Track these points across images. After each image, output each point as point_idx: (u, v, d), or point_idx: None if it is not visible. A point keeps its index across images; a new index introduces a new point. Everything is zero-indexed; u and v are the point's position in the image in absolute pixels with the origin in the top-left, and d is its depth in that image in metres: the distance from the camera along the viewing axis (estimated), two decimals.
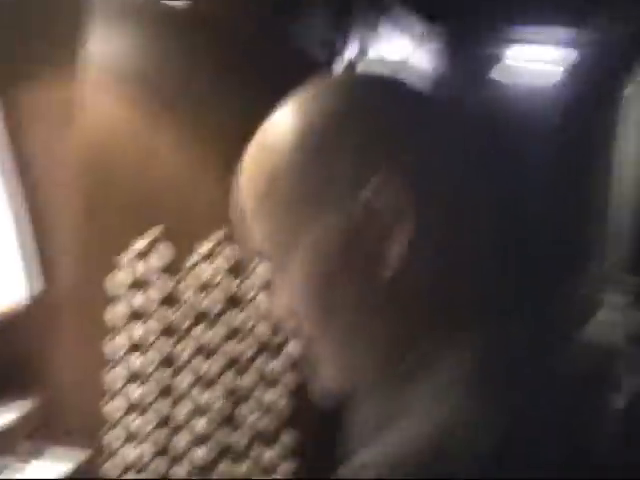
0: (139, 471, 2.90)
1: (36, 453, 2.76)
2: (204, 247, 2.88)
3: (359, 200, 1.33)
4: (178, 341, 2.89)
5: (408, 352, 1.36)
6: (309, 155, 1.37)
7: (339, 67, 3.12)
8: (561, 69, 6.15)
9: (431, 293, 1.36)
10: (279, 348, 2.97)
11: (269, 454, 2.98)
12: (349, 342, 1.39)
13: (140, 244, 2.83)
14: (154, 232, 2.84)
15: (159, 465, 2.91)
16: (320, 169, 1.36)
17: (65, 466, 2.75)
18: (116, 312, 2.82)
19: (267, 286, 2.91)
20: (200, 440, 2.93)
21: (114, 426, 2.86)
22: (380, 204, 1.32)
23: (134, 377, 2.87)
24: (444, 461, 1.19)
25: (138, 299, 2.83)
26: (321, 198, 1.36)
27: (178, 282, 2.87)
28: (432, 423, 1.24)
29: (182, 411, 2.91)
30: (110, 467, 2.88)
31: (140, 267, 2.83)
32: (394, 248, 1.32)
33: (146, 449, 2.88)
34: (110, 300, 2.82)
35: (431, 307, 1.36)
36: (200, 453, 2.93)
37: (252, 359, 2.95)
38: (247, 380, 2.96)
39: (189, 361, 2.90)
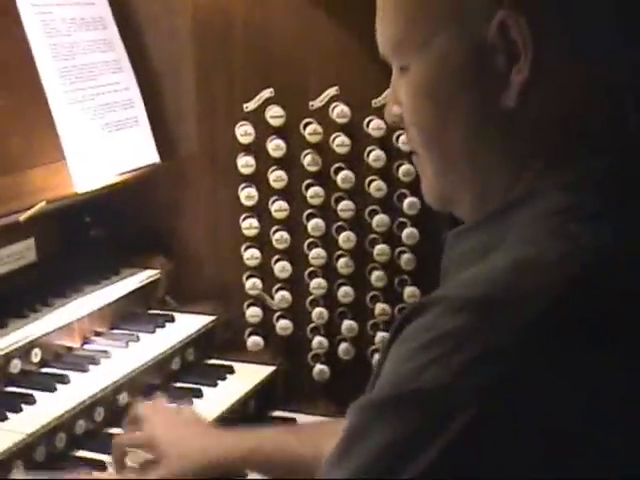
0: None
1: (169, 315, 2.90)
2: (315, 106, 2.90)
3: (485, 30, 1.32)
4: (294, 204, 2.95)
5: (512, 186, 1.38)
6: None
7: None
8: None
9: (548, 129, 1.36)
10: (395, 204, 2.93)
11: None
12: (454, 165, 1.42)
13: (253, 105, 2.89)
14: (265, 94, 2.89)
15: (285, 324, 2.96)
16: None
17: (195, 327, 2.87)
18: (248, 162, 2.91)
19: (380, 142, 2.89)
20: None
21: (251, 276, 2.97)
22: (502, 40, 1.32)
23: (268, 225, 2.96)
24: (514, 295, 1.22)
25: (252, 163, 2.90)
26: (452, 15, 1.36)
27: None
28: (516, 258, 1.27)
29: (306, 271, 2.95)
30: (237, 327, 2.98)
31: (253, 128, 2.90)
32: (520, 76, 1.32)
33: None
34: (240, 150, 2.93)
35: (546, 142, 1.36)
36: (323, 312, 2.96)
37: (370, 216, 2.93)
38: (367, 237, 2.95)
39: (307, 220, 2.93)
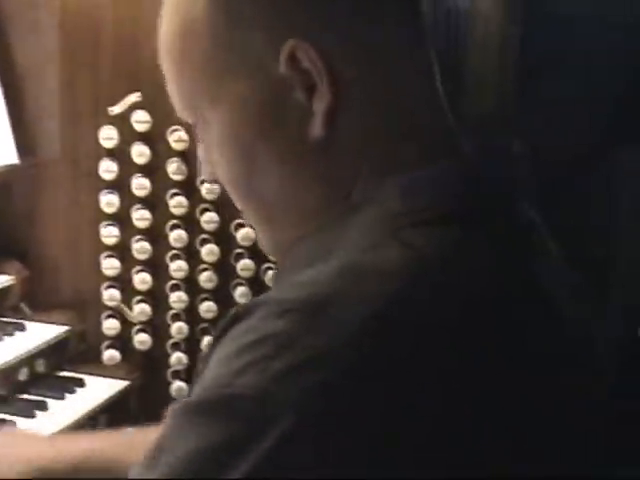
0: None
1: (19, 324, 2.77)
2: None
3: (275, 68, 1.25)
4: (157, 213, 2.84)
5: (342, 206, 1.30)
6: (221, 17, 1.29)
7: None
8: None
9: (360, 152, 1.29)
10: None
11: None
12: (276, 212, 1.33)
13: (118, 108, 2.79)
14: (132, 98, 2.80)
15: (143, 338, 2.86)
16: (233, 34, 1.28)
17: (47, 337, 2.75)
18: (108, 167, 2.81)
19: None
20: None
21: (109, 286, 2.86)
22: (295, 72, 1.24)
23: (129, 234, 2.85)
24: (338, 299, 1.14)
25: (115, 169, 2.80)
26: (234, 65, 1.28)
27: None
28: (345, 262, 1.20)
29: (167, 284, 2.85)
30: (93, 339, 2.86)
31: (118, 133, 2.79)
32: (322, 104, 1.24)
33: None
34: (103, 155, 2.82)
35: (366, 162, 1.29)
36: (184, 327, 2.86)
37: (236, 229, 2.85)
38: (233, 251, 2.87)
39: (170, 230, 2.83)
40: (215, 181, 1.41)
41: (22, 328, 2.75)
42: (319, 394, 1.10)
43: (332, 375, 1.10)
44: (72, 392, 2.64)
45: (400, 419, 1.12)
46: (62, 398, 2.60)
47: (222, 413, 1.12)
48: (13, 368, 2.60)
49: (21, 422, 2.43)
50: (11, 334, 2.69)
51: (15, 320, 2.79)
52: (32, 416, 2.46)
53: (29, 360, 2.67)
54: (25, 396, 2.61)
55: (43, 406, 2.52)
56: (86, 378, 2.73)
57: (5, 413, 2.47)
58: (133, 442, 2.03)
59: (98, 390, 2.70)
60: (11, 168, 2.81)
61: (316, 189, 1.31)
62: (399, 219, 1.23)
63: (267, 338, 1.13)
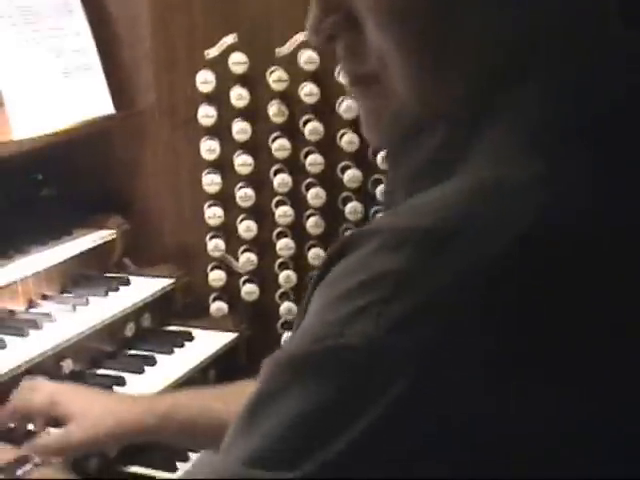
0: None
1: (124, 279, 2.70)
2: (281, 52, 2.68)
3: None
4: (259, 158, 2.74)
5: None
6: None
7: None
8: None
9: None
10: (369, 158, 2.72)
11: None
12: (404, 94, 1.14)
13: (215, 51, 2.68)
14: (228, 40, 2.68)
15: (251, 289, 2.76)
16: None
17: (152, 291, 2.67)
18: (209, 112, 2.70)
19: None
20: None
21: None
22: None
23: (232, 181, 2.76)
24: (469, 227, 0.97)
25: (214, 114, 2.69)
26: None
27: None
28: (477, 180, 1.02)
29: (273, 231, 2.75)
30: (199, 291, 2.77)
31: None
32: None
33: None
34: (200, 100, 2.71)
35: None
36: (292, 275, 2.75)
37: (342, 171, 2.72)
38: (339, 194, 2.74)
39: (274, 175, 2.71)
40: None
41: (126, 283, 2.67)
42: (444, 344, 0.94)
43: (458, 322, 0.94)
44: (180, 346, 2.56)
45: (543, 372, 0.94)
46: (170, 352, 2.52)
47: (329, 368, 0.96)
48: (119, 324, 2.53)
49: (130, 378, 2.35)
50: (116, 289, 2.62)
51: (120, 275, 2.72)
52: (141, 372, 2.39)
53: (135, 315, 2.59)
54: (133, 352, 2.53)
55: (152, 361, 2.45)
56: (194, 331, 2.65)
57: (114, 369, 2.40)
58: (223, 393, 1.94)
59: (206, 343, 2.61)
60: (107, 118, 2.73)
61: (454, 71, 1.11)
62: (543, 130, 1.05)
63: (381, 277, 0.96)
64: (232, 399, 1.81)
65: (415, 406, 0.93)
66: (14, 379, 2.14)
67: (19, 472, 1.60)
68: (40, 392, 1.95)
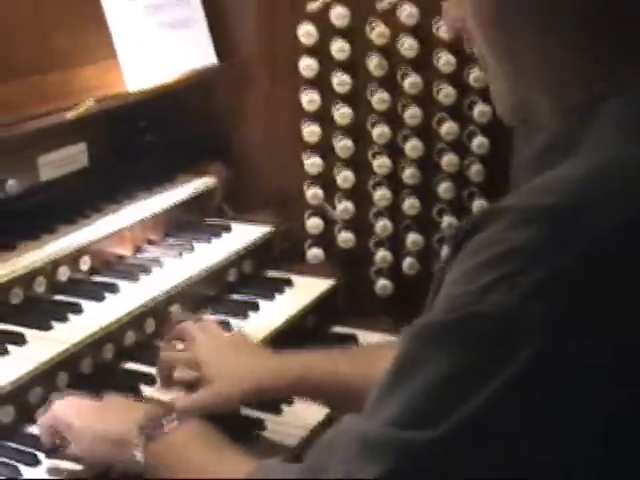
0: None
1: (225, 225, 2.78)
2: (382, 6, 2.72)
3: None
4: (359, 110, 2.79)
5: (591, 83, 1.23)
6: None
7: None
8: None
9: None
10: (465, 111, 2.77)
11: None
12: (526, 66, 1.28)
13: (316, 4, 2.72)
14: None
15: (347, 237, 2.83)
16: None
17: (253, 237, 2.75)
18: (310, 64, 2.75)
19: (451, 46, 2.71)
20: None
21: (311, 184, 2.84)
22: None
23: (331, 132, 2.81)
24: (589, 205, 1.08)
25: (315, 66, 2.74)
26: None
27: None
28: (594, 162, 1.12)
29: (370, 181, 2.81)
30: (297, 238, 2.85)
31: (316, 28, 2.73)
32: None
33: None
34: (301, 52, 2.77)
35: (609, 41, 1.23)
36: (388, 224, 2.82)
37: (438, 124, 2.77)
38: (435, 146, 2.79)
39: (372, 127, 2.77)
40: (457, 35, 1.37)
41: (228, 229, 2.76)
42: (570, 314, 1.04)
43: (583, 293, 1.04)
44: (281, 292, 2.64)
45: None
46: (272, 298, 2.60)
47: (468, 335, 1.08)
48: (222, 269, 2.62)
49: (234, 322, 2.44)
50: (218, 235, 2.71)
51: (220, 221, 2.80)
52: (245, 316, 2.48)
53: (237, 261, 2.68)
54: (236, 296, 2.62)
55: (255, 306, 2.53)
56: (293, 278, 2.72)
57: (219, 313, 2.49)
58: (350, 357, 2.04)
59: (305, 290, 2.69)
60: (210, 69, 2.80)
61: (568, 53, 1.24)
62: None
63: (513, 251, 1.07)
64: (359, 363, 1.93)
65: (543, 369, 1.03)
66: (130, 324, 2.25)
67: (165, 426, 1.72)
68: (189, 348, 2.10)
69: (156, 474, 1.71)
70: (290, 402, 2.26)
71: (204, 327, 2.21)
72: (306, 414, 2.21)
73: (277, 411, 2.25)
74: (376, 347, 2.21)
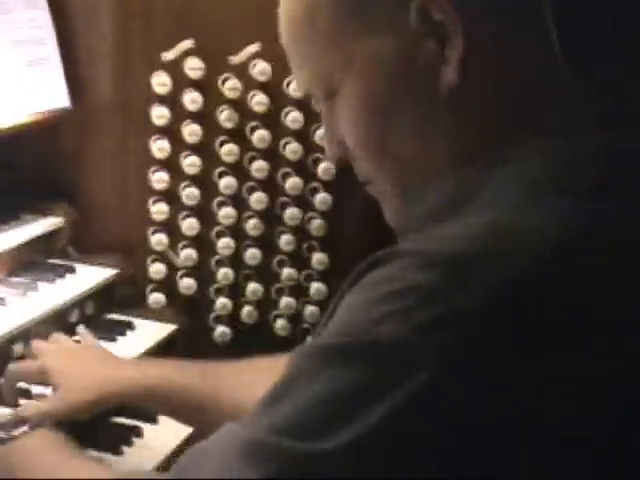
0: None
1: (69, 266, 2.79)
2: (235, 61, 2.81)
3: (405, 23, 1.30)
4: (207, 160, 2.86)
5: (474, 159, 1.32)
6: None
7: None
8: None
9: (492, 105, 1.33)
10: (309, 167, 2.88)
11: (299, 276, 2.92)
12: (410, 166, 1.37)
13: (171, 54, 2.79)
14: (186, 44, 2.79)
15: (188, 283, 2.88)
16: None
17: (96, 280, 2.77)
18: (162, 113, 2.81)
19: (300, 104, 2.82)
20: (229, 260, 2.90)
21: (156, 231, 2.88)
22: (427, 25, 1.29)
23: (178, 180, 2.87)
24: (490, 256, 1.17)
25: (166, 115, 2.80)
26: (366, 24, 1.33)
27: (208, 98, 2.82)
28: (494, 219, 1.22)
29: (214, 230, 2.88)
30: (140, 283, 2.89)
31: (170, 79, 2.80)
32: (455, 52, 1.29)
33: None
34: (153, 100, 2.82)
35: (495, 114, 1.33)
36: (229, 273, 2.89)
37: (283, 178, 2.87)
38: (279, 199, 2.89)
39: (219, 177, 2.85)
40: (340, 160, 1.45)
41: (72, 270, 2.77)
42: (460, 350, 1.11)
43: (474, 333, 1.12)
44: (122, 334, 2.68)
45: (541, 382, 1.14)
46: (114, 340, 2.63)
47: (358, 359, 1.14)
48: (65, 309, 2.63)
49: None
50: (62, 276, 2.72)
51: (65, 262, 2.82)
52: None
53: (80, 302, 2.70)
54: (76, 338, 2.63)
55: None
56: (135, 321, 2.76)
57: None
58: (208, 371, 2.09)
59: (147, 333, 2.73)
60: (62, 112, 2.83)
61: (448, 143, 1.34)
62: (542, 184, 1.25)
63: (411, 289, 1.14)
64: (212, 377, 1.99)
65: (431, 395, 1.11)
66: None
67: (15, 432, 1.73)
68: (38, 358, 2.11)
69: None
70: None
71: (55, 339, 2.23)
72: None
73: (153, 420, 2.33)
74: (228, 364, 2.20)
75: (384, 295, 1.16)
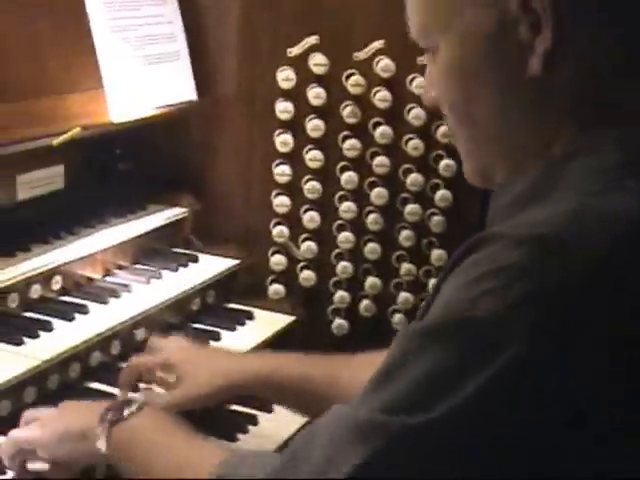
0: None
1: (192, 256, 2.87)
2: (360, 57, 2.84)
3: (506, 2, 1.35)
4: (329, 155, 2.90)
5: (550, 149, 1.40)
6: None
7: None
8: None
9: (574, 98, 1.39)
10: (430, 164, 2.89)
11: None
12: (488, 137, 1.45)
13: (297, 50, 2.84)
14: (311, 40, 2.84)
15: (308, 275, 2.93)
16: None
17: (218, 270, 2.84)
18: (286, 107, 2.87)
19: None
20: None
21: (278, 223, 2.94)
22: (525, 11, 1.35)
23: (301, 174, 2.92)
24: (576, 238, 1.25)
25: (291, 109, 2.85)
26: None
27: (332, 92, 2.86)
28: (577, 204, 1.29)
29: (334, 223, 2.92)
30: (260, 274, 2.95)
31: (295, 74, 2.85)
32: (542, 45, 1.35)
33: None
34: (278, 95, 2.87)
35: (576, 106, 1.39)
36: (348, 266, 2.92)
37: (404, 174, 2.88)
38: (399, 195, 2.90)
39: (341, 172, 2.88)
40: (433, 106, 1.52)
41: (195, 259, 2.85)
42: (550, 326, 1.20)
43: (560, 310, 1.20)
44: (242, 324, 2.73)
45: (623, 358, 1.21)
46: (234, 329, 2.69)
47: (458, 334, 1.23)
48: (187, 298, 2.70)
49: None
50: (185, 265, 2.80)
51: (188, 252, 2.89)
52: (207, 345, 2.55)
53: (202, 291, 2.77)
54: (198, 325, 2.70)
55: (217, 336, 2.62)
56: (254, 311, 2.81)
57: None
58: (322, 362, 2.13)
59: (266, 323, 2.78)
60: (190, 104, 2.90)
61: (526, 126, 1.41)
62: (621, 169, 1.32)
63: (504, 268, 1.23)
64: (332, 368, 2.04)
65: (522, 370, 1.20)
66: (98, 345, 2.33)
67: (125, 412, 1.78)
68: (158, 352, 2.19)
69: (121, 463, 1.75)
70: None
71: (173, 339, 2.29)
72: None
73: (269, 409, 2.39)
74: (343, 356, 2.24)
75: (480, 276, 1.24)
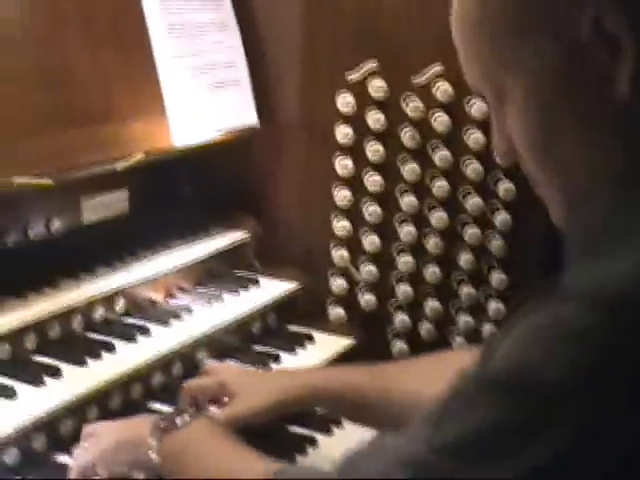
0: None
1: (253, 279, 2.90)
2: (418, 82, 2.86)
3: (576, 27, 1.29)
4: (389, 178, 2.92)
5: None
6: None
7: None
8: None
9: None
10: (490, 187, 2.89)
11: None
12: (572, 176, 1.37)
13: (356, 75, 2.87)
14: (370, 65, 2.87)
15: (369, 298, 2.95)
16: None
17: (279, 292, 2.87)
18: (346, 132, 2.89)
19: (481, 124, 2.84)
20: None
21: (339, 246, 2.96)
22: (600, 36, 1.28)
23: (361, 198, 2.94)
24: None
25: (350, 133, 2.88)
26: (537, 24, 1.32)
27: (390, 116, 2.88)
28: None
29: (394, 247, 2.93)
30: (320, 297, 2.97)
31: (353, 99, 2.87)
32: (627, 66, 1.27)
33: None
34: (338, 119, 2.90)
35: None
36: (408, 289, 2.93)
37: (464, 197, 2.89)
38: (459, 218, 2.91)
39: (401, 195, 2.90)
40: (506, 154, 1.45)
41: (256, 282, 2.88)
42: (620, 393, 1.16)
43: (630, 385, 1.16)
44: (303, 346, 2.75)
45: None
46: (293, 352, 2.71)
47: (520, 396, 1.19)
48: (248, 320, 2.74)
49: None
50: (246, 288, 2.83)
51: (249, 275, 2.93)
52: (266, 367, 2.58)
53: (262, 314, 2.80)
54: (258, 347, 2.73)
55: (277, 358, 2.64)
56: (314, 334, 2.83)
57: (242, 362, 2.60)
58: (372, 371, 2.14)
59: (326, 346, 2.80)
60: (251, 129, 2.95)
61: (613, 159, 1.32)
62: None
63: (576, 333, 1.18)
64: (379, 377, 2.04)
65: (590, 434, 1.16)
66: (159, 365, 2.37)
67: (178, 421, 1.82)
68: (213, 375, 2.22)
69: (172, 473, 1.78)
70: (339, 423, 2.39)
71: (227, 364, 2.35)
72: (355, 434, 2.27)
73: (328, 431, 2.39)
74: (396, 363, 2.29)
75: (552, 337, 1.20)
